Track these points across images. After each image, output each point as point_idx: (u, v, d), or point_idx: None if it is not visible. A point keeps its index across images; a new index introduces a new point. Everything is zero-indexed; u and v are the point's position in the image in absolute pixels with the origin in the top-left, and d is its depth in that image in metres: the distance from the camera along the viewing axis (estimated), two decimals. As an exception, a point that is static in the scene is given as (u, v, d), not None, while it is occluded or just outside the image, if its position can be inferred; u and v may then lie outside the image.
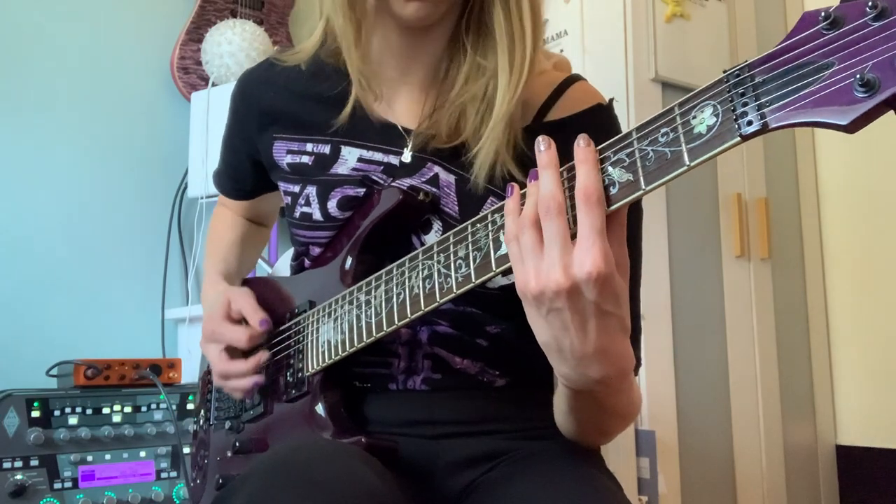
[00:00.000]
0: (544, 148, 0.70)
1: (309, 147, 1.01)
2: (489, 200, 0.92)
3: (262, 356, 1.01)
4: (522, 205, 0.72)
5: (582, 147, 0.68)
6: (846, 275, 2.34)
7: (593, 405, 0.81)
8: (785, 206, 2.30)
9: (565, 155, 0.70)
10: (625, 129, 0.99)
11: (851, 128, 0.52)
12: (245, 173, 1.14)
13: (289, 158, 1.02)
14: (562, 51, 2.09)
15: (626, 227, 0.70)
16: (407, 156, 0.96)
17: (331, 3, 0.94)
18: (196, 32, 2.37)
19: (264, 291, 1.13)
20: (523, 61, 0.88)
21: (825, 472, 2.25)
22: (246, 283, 1.19)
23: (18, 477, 1.53)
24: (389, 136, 0.97)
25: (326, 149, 0.99)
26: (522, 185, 0.73)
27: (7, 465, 1.53)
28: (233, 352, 1.04)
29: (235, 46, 2.26)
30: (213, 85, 2.29)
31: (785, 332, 2.21)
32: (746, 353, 2.11)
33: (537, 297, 0.68)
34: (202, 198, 2.25)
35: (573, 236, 0.67)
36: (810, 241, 2.36)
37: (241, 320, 1.04)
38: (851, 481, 2.24)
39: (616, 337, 0.70)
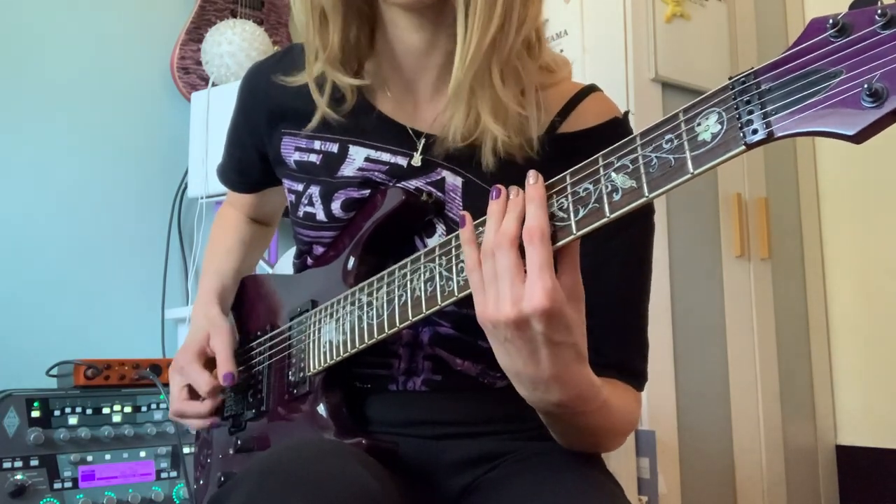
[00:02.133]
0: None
1: (317, 145, 1.00)
2: None
3: (219, 401, 1.06)
4: (478, 233, 0.75)
5: (531, 185, 0.71)
6: (846, 275, 2.34)
7: (563, 424, 0.84)
8: (785, 206, 2.30)
9: None
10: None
11: (858, 138, 0.52)
12: (251, 166, 1.14)
13: (296, 156, 1.02)
14: (562, 51, 2.08)
15: (578, 256, 0.73)
16: (417, 159, 0.95)
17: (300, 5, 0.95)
18: (196, 32, 2.36)
19: (266, 289, 1.13)
20: (473, 30, 0.84)
21: (825, 472, 2.25)
22: (248, 280, 1.20)
23: (18, 477, 1.53)
24: (399, 137, 0.97)
25: (335, 147, 0.99)
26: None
27: (7, 465, 1.53)
28: (193, 391, 1.07)
29: (235, 46, 2.25)
30: (213, 85, 2.28)
31: (785, 332, 2.21)
32: (746, 353, 2.11)
33: (493, 324, 0.71)
34: (202, 198, 2.24)
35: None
36: (810, 241, 2.36)
37: (213, 359, 1.07)
38: (851, 481, 2.24)
39: (570, 365, 0.73)
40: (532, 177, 0.72)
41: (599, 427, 0.84)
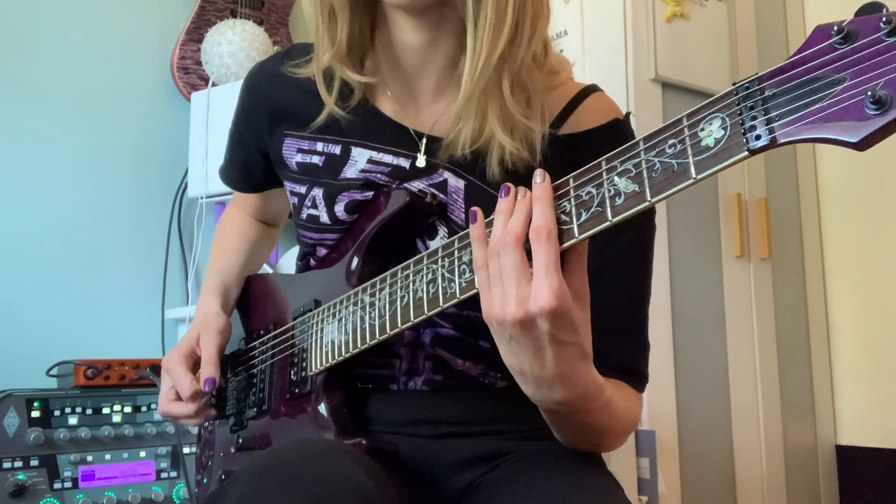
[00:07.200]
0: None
1: (319, 147, 1.00)
2: None
3: (210, 413, 1.07)
4: (487, 232, 0.74)
5: (538, 184, 0.71)
6: (846, 275, 2.34)
7: (566, 422, 0.83)
8: (785, 206, 2.30)
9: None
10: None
11: (861, 146, 0.52)
12: (254, 166, 1.14)
13: (298, 157, 1.02)
14: (562, 51, 2.08)
15: (586, 256, 0.73)
16: (421, 160, 0.95)
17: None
18: (196, 32, 2.36)
19: (269, 288, 1.13)
20: (483, 44, 0.84)
21: (825, 472, 2.25)
22: (252, 279, 1.20)
23: (18, 477, 1.53)
24: (401, 138, 0.97)
25: (337, 149, 0.99)
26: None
27: (7, 465, 1.53)
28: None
29: (235, 46, 2.25)
30: (213, 85, 2.28)
31: (785, 332, 2.21)
32: (746, 353, 2.11)
33: (499, 323, 0.71)
34: (202, 198, 2.24)
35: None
36: (810, 241, 2.36)
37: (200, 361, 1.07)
38: (851, 481, 2.24)
39: (574, 364, 0.73)
40: (539, 176, 0.71)
41: (601, 426, 0.84)
